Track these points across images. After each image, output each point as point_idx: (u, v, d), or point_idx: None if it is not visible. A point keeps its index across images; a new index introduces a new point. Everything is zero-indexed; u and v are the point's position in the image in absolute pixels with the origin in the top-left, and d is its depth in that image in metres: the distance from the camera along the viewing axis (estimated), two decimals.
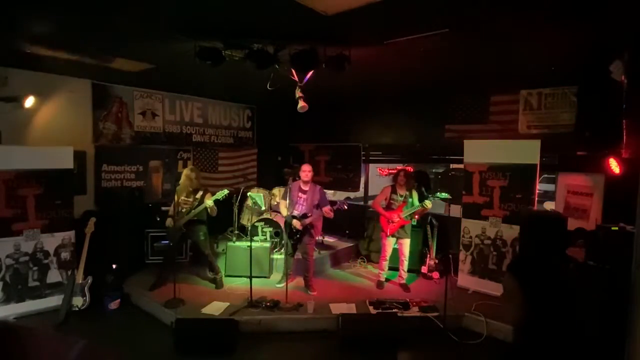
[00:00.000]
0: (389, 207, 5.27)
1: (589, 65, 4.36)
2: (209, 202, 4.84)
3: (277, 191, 6.68)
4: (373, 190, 8.25)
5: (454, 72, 4.98)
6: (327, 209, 4.90)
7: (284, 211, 5.10)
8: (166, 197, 6.65)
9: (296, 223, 4.92)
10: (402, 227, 5.23)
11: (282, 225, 5.65)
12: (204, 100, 7.32)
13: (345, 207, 5.13)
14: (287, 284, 4.85)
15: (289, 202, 5.04)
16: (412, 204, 5.22)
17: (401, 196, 5.24)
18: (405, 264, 5.35)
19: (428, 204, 5.06)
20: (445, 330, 4.23)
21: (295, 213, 4.98)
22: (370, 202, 7.72)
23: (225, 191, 4.97)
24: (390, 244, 5.32)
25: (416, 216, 5.41)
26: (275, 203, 6.46)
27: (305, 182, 5.02)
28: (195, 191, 5.05)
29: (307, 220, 4.90)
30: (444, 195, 4.95)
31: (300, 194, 5.03)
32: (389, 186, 5.39)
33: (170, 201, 5.27)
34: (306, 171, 5.02)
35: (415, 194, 5.30)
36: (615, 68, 3.64)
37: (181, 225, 4.96)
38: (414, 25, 3.44)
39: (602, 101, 4.52)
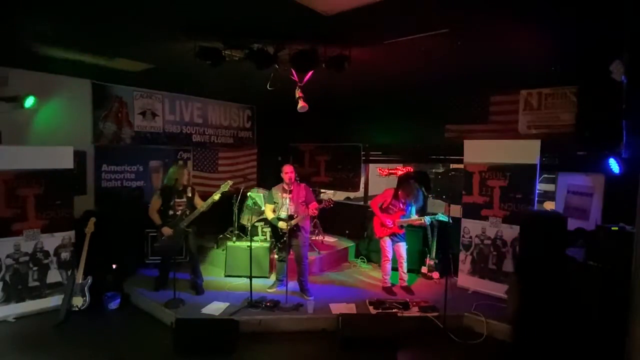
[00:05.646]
0: (385, 211, 5.22)
1: (589, 65, 4.36)
2: (216, 196, 4.77)
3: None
4: (373, 190, 8.24)
5: (454, 72, 4.97)
6: (312, 206, 4.81)
7: (270, 214, 4.99)
8: None
9: (282, 224, 4.83)
10: (395, 233, 5.21)
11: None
12: (204, 100, 7.32)
13: (332, 205, 4.97)
14: (286, 286, 4.84)
15: (275, 204, 4.96)
16: (411, 214, 5.20)
17: (402, 204, 5.18)
18: (404, 266, 5.32)
19: (426, 220, 5.09)
20: (445, 330, 4.24)
21: (282, 215, 4.89)
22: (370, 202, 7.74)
23: (229, 182, 4.89)
24: (389, 244, 5.24)
25: (421, 221, 5.25)
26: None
27: (288, 183, 4.90)
28: (184, 190, 4.98)
29: (294, 221, 4.80)
30: (443, 217, 5.09)
31: (284, 194, 4.90)
32: (391, 189, 5.29)
33: None
34: (288, 172, 4.88)
35: (414, 206, 5.26)
36: (615, 68, 3.64)
37: (183, 228, 4.91)
38: (414, 25, 3.43)
39: (602, 101, 4.51)
